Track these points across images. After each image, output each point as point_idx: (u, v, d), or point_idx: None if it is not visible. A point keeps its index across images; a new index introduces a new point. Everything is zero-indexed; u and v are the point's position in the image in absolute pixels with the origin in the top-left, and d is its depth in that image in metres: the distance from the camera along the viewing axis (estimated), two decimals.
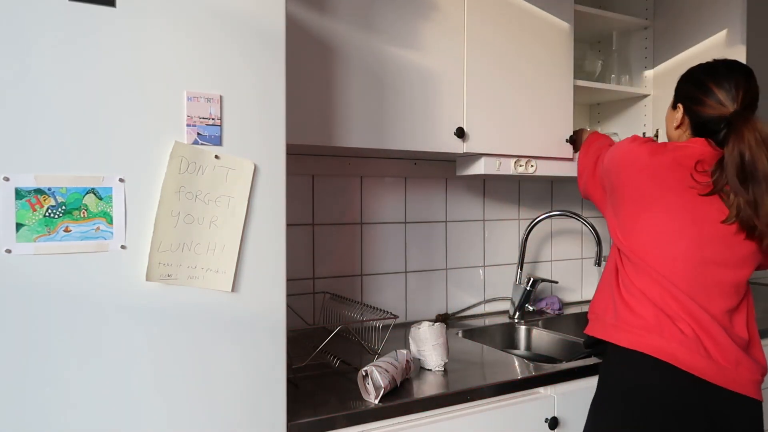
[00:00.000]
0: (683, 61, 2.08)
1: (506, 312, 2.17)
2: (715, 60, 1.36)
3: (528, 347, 1.99)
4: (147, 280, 0.98)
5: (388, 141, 1.56)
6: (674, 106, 1.42)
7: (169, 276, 1.00)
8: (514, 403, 1.37)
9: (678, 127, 1.40)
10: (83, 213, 0.94)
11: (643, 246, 1.29)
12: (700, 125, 1.34)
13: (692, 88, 1.36)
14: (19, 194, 0.89)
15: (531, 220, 2.18)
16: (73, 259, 0.93)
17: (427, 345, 1.44)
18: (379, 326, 1.59)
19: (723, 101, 1.29)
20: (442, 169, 2.05)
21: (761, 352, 1.30)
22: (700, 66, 1.37)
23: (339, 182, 1.88)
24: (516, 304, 2.09)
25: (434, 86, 1.63)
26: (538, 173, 1.85)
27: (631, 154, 1.33)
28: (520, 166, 1.81)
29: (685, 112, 1.37)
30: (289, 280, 1.13)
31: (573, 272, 2.42)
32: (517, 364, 1.51)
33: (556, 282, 2.23)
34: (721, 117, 1.28)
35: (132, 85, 0.96)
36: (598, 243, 2.03)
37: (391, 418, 1.23)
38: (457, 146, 1.67)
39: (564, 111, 1.89)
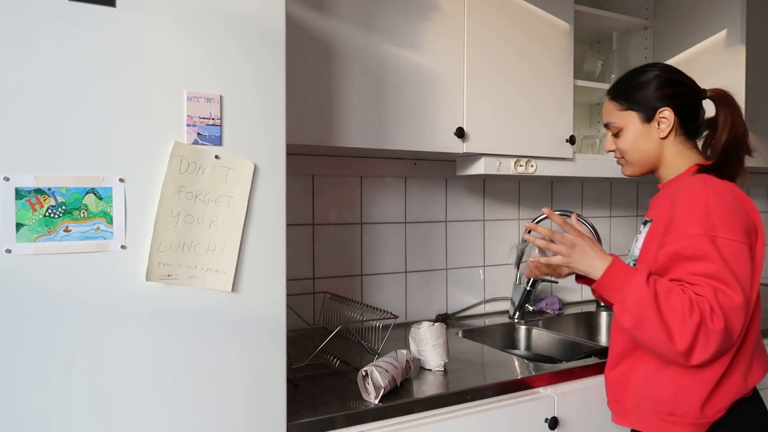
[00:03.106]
0: (683, 60, 2.08)
1: (506, 312, 2.16)
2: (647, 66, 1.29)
3: (528, 347, 1.99)
4: (147, 280, 0.98)
5: (388, 141, 1.56)
6: (649, 118, 1.24)
7: (169, 276, 1.00)
8: (514, 403, 1.37)
9: (666, 136, 1.24)
10: (83, 213, 0.94)
11: None
12: (689, 121, 1.25)
13: (671, 86, 1.24)
14: (19, 194, 0.89)
15: (531, 220, 2.18)
16: (73, 259, 0.93)
17: (427, 345, 1.44)
18: (379, 326, 1.59)
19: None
20: (442, 169, 2.05)
21: None
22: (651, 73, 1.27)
23: (339, 182, 1.88)
24: (516, 304, 2.09)
25: (434, 86, 1.63)
26: (538, 173, 1.85)
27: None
28: (520, 166, 1.81)
29: (677, 113, 1.22)
30: (289, 280, 1.13)
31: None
32: (517, 364, 1.51)
33: (556, 282, 2.23)
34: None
35: (132, 85, 0.96)
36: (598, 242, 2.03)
37: (391, 418, 1.23)
38: (457, 146, 1.67)
39: (564, 111, 1.88)
